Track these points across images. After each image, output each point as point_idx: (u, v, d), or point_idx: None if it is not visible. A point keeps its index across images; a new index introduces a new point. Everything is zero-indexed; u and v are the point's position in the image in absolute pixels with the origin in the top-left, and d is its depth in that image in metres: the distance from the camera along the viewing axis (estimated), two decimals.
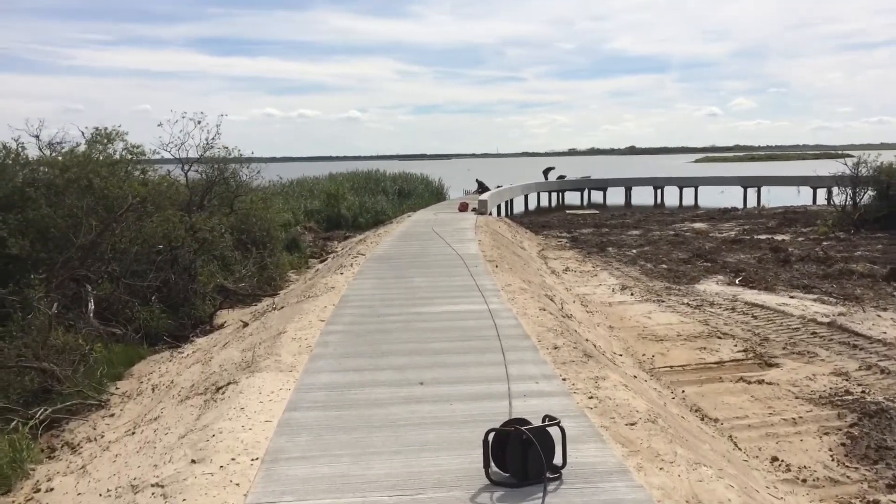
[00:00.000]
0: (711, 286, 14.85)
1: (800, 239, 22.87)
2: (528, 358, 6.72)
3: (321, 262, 22.06)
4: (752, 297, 13.33)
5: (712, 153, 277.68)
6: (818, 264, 16.85)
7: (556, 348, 7.00)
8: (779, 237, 23.51)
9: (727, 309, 12.44)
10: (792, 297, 13.09)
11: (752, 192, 45.92)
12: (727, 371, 8.89)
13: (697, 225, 29.45)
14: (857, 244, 20.44)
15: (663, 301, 13.41)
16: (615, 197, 52.27)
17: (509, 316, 8.57)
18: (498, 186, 39.88)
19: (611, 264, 19.30)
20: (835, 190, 25.05)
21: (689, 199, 48.87)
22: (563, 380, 6.03)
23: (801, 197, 41.11)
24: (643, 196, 51.54)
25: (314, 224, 30.37)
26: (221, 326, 12.93)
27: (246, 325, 10.25)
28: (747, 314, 11.96)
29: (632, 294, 14.20)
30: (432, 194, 39.48)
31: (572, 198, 51.23)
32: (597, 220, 32.77)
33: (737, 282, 15.00)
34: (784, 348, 9.75)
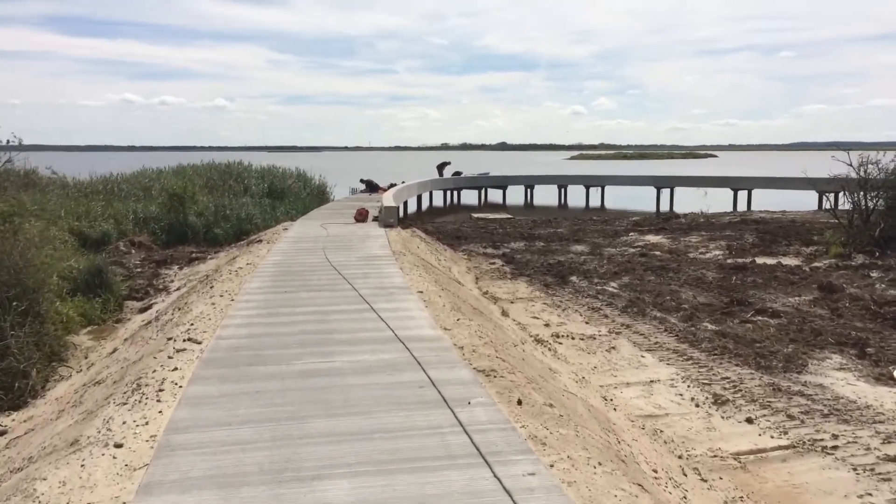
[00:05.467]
0: (857, 385, 8.18)
1: (817, 265, 17.08)
2: None
3: (144, 308, 13.71)
4: None
5: (581, 150, 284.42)
6: None
7: None
8: (788, 261, 17.69)
9: None
10: None
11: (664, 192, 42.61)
12: None
13: (652, 238, 23.33)
14: None
15: (828, 446, 6.53)
16: (515, 196, 47.99)
17: None
18: (392, 185, 32.98)
19: (608, 316, 12.44)
20: (826, 196, 19.45)
21: (595, 200, 45.02)
22: None
23: (707, 199, 38.18)
24: (545, 195, 47.72)
25: (148, 237, 21.57)
26: None
27: None
28: None
29: (750, 421, 7.16)
30: (313, 195, 31.16)
31: (468, 196, 46.18)
32: (520, 230, 26.09)
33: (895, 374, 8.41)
34: None
